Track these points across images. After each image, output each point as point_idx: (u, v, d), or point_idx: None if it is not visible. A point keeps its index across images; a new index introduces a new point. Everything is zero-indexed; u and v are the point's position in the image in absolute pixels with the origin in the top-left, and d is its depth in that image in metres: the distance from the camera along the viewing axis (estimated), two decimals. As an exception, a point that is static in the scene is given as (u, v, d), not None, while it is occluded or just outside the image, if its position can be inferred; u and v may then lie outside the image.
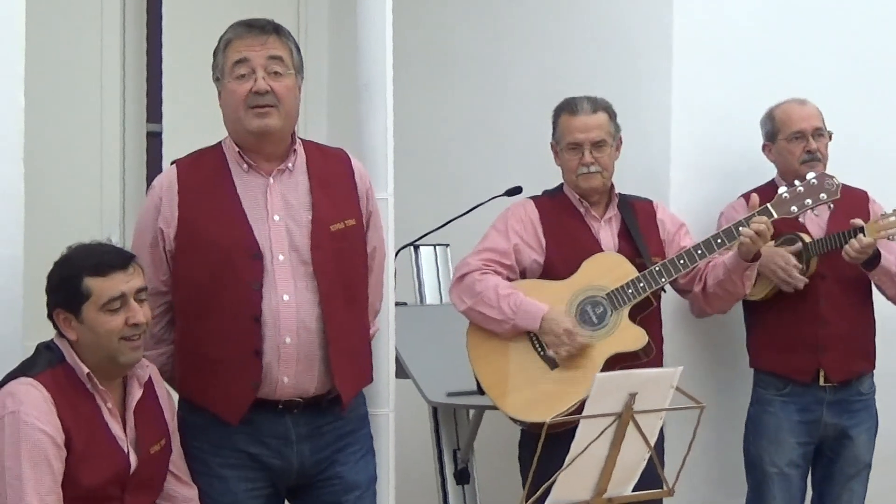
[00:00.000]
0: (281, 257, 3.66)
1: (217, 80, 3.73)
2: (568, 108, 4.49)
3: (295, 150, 3.76)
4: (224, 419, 3.68)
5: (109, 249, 3.58)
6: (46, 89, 4.42)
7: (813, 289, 4.68)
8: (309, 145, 3.82)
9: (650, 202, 4.63)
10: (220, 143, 3.79)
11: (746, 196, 4.76)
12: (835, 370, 4.75)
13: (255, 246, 3.65)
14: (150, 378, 3.66)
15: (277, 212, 3.69)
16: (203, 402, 3.72)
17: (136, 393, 3.60)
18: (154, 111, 5.55)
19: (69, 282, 3.49)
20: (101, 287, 3.47)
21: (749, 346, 4.91)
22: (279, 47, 3.68)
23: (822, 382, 4.75)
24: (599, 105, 4.48)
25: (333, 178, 3.79)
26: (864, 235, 4.53)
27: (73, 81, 5.32)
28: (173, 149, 5.45)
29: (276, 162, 3.72)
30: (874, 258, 4.61)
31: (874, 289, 4.82)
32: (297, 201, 3.72)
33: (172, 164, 3.80)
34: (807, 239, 4.65)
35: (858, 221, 4.56)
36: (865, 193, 4.82)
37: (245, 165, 3.71)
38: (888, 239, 4.60)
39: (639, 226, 4.53)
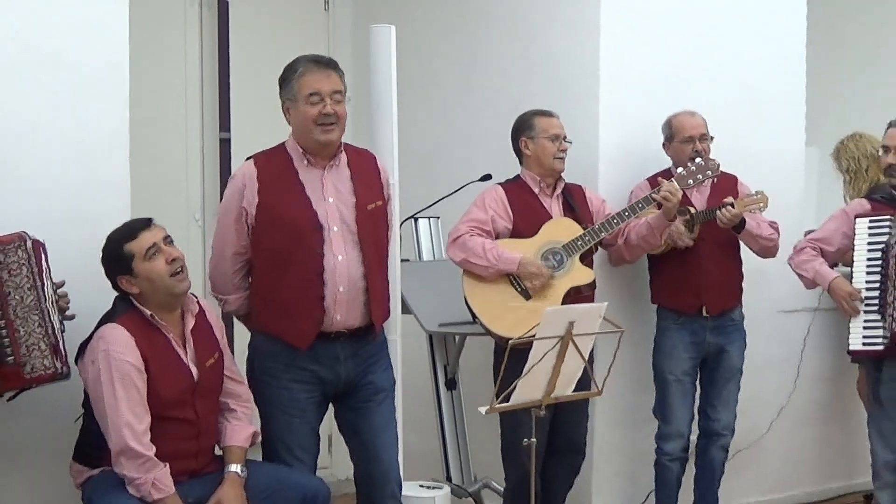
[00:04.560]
0: (335, 229, 3.68)
1: (288, 99, 3.72)
2: (543, 113, 4.55)
3: (341, 151, 3.77)
4: (295, 345, 3.70)
5: (132, 220, 3.62)
6: (145, 109, 4.42)
7: (697, 247, 4.70)
8: (348, 147, 3.83)
9: (580, 187, 4.66)
10: (282, 144, 3.80)
11: (649, 178, 4.80)
12: (712, 305, 4.77)
13: (317, 221, 3.67)
14: (200, 309, 3.69)
15: (330, 195, 3.71)
16: (278, 333, 3.73)
17: (190, 322, 3.64)
18: (224, 121, 5.53)
19: (115, 253, 3.53)
20: (137, 245, 3.51)
21: (651, 287, 4.92)
22: (339, 82, 3.72)
23: (704, 314, 4.77)
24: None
25: (365, 171, 3.81)
26: (733, 208, 4.56)
27: (164, 101, 5.32)
28: (240, 151, 5.45)
29: (327, 159, 3.74)
30: (741, 224, 4.64)
31: (743, 246, 4.83)
32: (344, 188, 3.74)
33: (248, 159, 3.79)
34: (693, 210, 4.67)
35: (730, 199, 4.60)
36: (735, 177, 4.84)
37: (306, 162, 3.72)
38: (751, 212, 4.62)
39: (576, 201, 4.57)
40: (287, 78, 3.72)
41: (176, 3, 5.38)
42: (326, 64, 3.73)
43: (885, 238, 4.27)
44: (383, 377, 3.88)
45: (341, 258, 3.68)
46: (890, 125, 4.49)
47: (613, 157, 4.99)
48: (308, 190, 3.70)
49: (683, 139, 4.78)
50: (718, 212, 4.59)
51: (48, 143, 3.75)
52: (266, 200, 3.69)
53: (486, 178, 4.84)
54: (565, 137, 4.53)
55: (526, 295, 4.39)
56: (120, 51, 3.90)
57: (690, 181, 4.49)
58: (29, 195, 3.69)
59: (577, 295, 4.34)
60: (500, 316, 4.38)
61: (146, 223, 3.58)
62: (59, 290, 3.57)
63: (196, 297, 3.71)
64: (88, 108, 3.83)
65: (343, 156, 3.78)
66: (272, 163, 3.75)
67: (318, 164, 3.73)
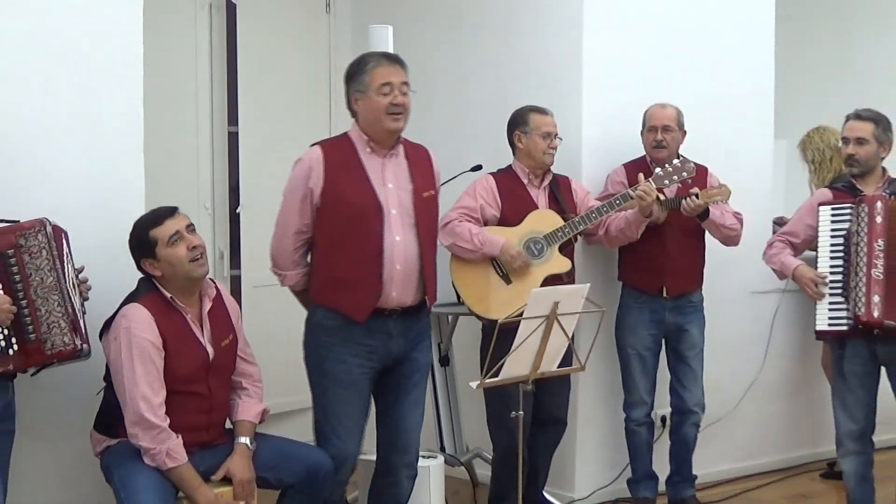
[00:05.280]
0: (394, 212, 3.70)
1: (358, 91, 3.71)
2: (538, 110, 4.56)
3: (400, 142, 3.78)
4: (354, 318, 3.69)
5: (159, 208, 3.62)
6: (158, 104, 4.40)
7: (662, 232, 4.68)
8: (405, 141, 3.84)
9: (567, 178, 4.67)
10: (345, 133, 3.81)
11: (625, 165, 4.81)
12: (672, 288, 4.77)
13: (378, 204, 3.68)
14: (217, 293, 3.70)
15: (390, 181, 3.73)
16: (338, 307, 3.71)
17: (207, 305, 3.65)
18: (232, 116, 5.51)
19: (141, 238, 3.55)
20: (161, 232, 3.53)
21: (618, 266, 4.91)
22: (405, 76, 3.74)
23: (664, 295, 4.77)
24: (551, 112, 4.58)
25: (420, 163, 3.84)
26: (698, 198, 4.55)
27: (176, 97, 5.30)
28: (247, 144, 5.46)
29: (388, 148, 3.75)
30: (705, 213, 4.64)
31: (707, 234, 4.81)
32: (402, 176, 3.76)
33: (313, 145, 3.78)
34: (662, 198, 4.63)
35: (695, 189, 4.58)
36: (706, 169, 4.82)
37: (368, 149, 3.73)
38: (714, 203, 4.61)
39: (561, 192, 4.56)
40: (358, 71, 3.73)
41: (187, 6, 5.36)
42: (395, 59, 3.76)
43: (846, 225, 4.27)
44: (426, 356, 3.93)
45: (399, 239, 3.69)
46: (848, 118, 4.48)
47: (596, 149, 4.98)
48: (370, 175, 3.72)
49: (648, 128, 4.80)
50: (683, 201, 4.58)
51: (68, 137, 3.76)
52: (331, 183, 3.69)
53: (477, 168, 4.84)
54: (556, 135, 4.53)
55: (507, 280, 4.41)
56: (135, 51, 3.91)
57: (666, 181, 4.50)
58: (51, 186, 3.70)
59: (556, 282, 4.32)
60: (483, 298, 4.41)
61: (171, 211, 3.59)
62: (80, 276, 3.57)
63: (214, 282, 3.72)
64: (105, 104, 3.84)
65: (401, 147, 3.80)
66: (337, 149, 3.75)
67: (380, 153, 3.75)
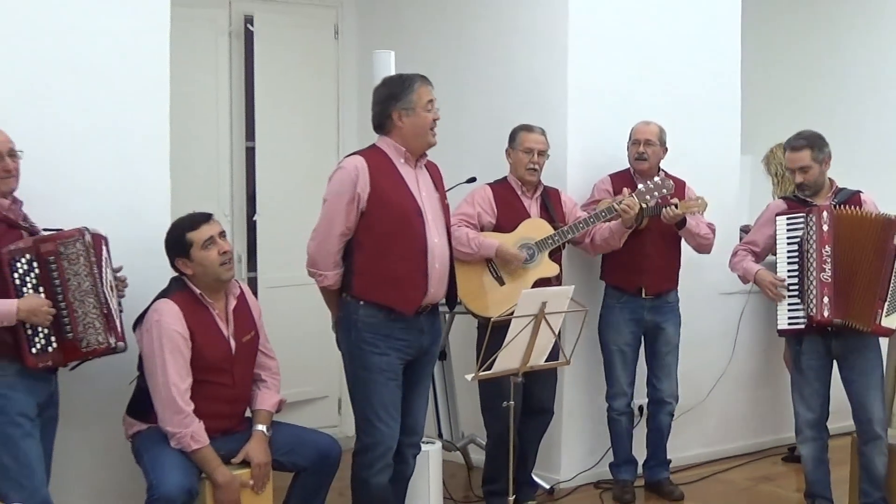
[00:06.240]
0: (430, 216, 3.75)
1: (405, 108, 3.70)
2: (525, 128, 4.59)
3: (426, 156, 3.83)
4: (402, 313, 3.69)
5: (196, 213, 3.66)
6: (183, 121, 4.42)
7: (642, 237, 4.71)
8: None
9: (557, 190, 4.71)
10: (374, 145, 3.81)
11: (611, 175, 4.86)
12: (650, 287, 4.81)
13: (418, 207, 3.73)
14: (241, 293, 3.74)
15: (423, 189, 3.78)
16: (387, 303, 3.69)
17: (232, 303, 3.70)
18: (249, 132, 5.53)
19: (178, 239, 3.60)
20: (197, 235, 3.58)
21: (601, 268, 4.94)
22: None
23: (643, 295, 4.81)
24: (541, 130, 4.59)
25: (436, 176, 3.90)
26: (676, 208, 4.59)
27: (198, 115, 5.32)
28: (263, 157, 5.48)
29: (416, 160, 3.79)
30: (683, 222, 4.68)
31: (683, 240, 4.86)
32: (429, 185, 3.83)
33: (349, 155, 3.78)
34: (644, 205, 4.65)
35: (675, 200, 4.62)
36: (684, 182, 4.86)
37: (402, 160, 3.76)
38: (691, 213, 4.65)
39: (552, 203, 4.61)
40: (404, 91, 3.72)
41: (209, 32, 5.40)
42: (429, 80, 3.80)
43: (800, 233, 4.33)
44: (437, 350, 3.99)
45: (437, 240, 3.75)
46: (785, 150, 4.51)
47: (579, 161, 5.02)
48: (408, 182, 3.75)
49: (633, 142, 4.84)
50: (663, 210, 4.62)
51: (103, 151, 3.83)
52: (377, 188, 3.67)
53: (472, 180, 4.87)
54: (542, 152, 4.55)
55: (501, 281, 4.45)
56: (162, 73, 3.97)
57: (647, 197, 4.51)
58: (87, 195, 3.76)
59: (545, 285, 4.33)
60: (479, 297, 4.44)
61: (207, 217, 3.64)
62: (118, 274, 3.62)
63: (239, 283, 3.76)
64: (135, 121, 3.90)
65: (422, 161, 3.85)
66: (375, 158, 3.75)
67: (411, 164, 3.79)
